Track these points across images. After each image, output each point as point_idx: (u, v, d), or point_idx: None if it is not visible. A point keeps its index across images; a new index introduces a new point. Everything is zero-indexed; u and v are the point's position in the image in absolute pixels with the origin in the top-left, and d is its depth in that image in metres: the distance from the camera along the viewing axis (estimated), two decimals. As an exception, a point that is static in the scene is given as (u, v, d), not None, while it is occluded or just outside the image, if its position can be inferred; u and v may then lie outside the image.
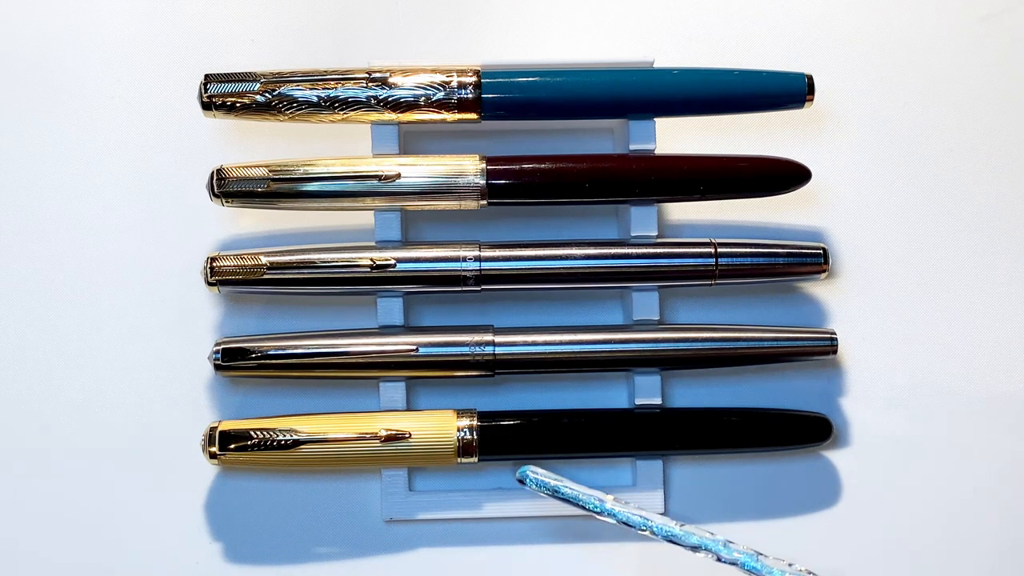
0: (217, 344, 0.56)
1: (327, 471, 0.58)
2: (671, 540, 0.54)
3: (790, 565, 0.53)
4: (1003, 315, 0.60)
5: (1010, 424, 0.60)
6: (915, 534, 0.59)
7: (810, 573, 0.53)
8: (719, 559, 0.53)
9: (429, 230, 0.59)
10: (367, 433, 0.55)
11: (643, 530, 0.54)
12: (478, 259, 0.56)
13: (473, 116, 0.56)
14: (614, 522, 0.54)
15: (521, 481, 0.55)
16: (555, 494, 0.55)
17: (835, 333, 0.58)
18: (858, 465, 0.59)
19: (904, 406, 0.60)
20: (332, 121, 0.56)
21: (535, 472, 0.55)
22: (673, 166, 0.57)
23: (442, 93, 0.56)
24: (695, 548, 0.53)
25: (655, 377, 0.57)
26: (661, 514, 0.55)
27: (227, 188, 0.55)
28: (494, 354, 0.56)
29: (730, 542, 0.53)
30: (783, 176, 0.57)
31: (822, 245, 0.58)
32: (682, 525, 0.54)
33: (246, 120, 0.56)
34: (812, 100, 0.57)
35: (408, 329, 0.57)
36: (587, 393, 0.59)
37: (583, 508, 0.54)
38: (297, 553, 0.58)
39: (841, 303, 0.60)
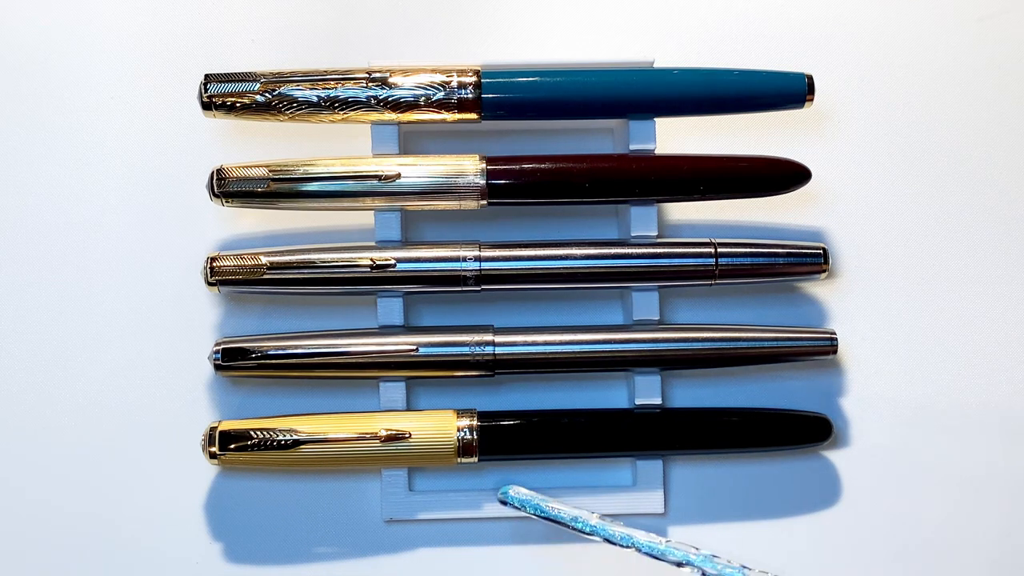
0: (217, 344, 0.56)
1: (327, 471, 0.58)
2: (655, 556, 0.53)
3: None
4: (1003, 315, 0.60)
5: (1010, 424, 0.60)
6: (914, 534, 0.59)
7: None
8: (704, 574, 0.53)
9: (429, 230, 0.59)
10: (367, 433, 0.55)
11: (627, 547, 0.54)
12: (478, 259, 0.56)
13: (473, 116, 0.56)
14: (599, 540, 0.54)
15: (503, 502, 0.55)
16: (538, 513, 0.55)
17: (835, 333, 0.58)
18: (858, 465, 0.59)
19: (904, 406, 0.60)
20: (332, 121, 0.56)
21: (517, 492, 0.55)
22: (673, 166, 0.57)
23: (442, 93, 0.56)
24: (679, 564, 0.53)
25: (655, 377, 0.57)
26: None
27: (227, 188, 0.55)
28: (494, 354, 0.56)
29: (715, 556, 0.53)
30: (783, 176, 0.57)
31: (822, 245, 0.58)
32: (667, 541, 0.53)
33: (246, 120, 0.56)
34: (812, 100, 0.57)
35: (408, 329, 0.57)
36: (587, 393, 0.59)
37: (567, 527, 0.54)
38: (297, 553, 0.58)
39: (841, 303, 0.60)
